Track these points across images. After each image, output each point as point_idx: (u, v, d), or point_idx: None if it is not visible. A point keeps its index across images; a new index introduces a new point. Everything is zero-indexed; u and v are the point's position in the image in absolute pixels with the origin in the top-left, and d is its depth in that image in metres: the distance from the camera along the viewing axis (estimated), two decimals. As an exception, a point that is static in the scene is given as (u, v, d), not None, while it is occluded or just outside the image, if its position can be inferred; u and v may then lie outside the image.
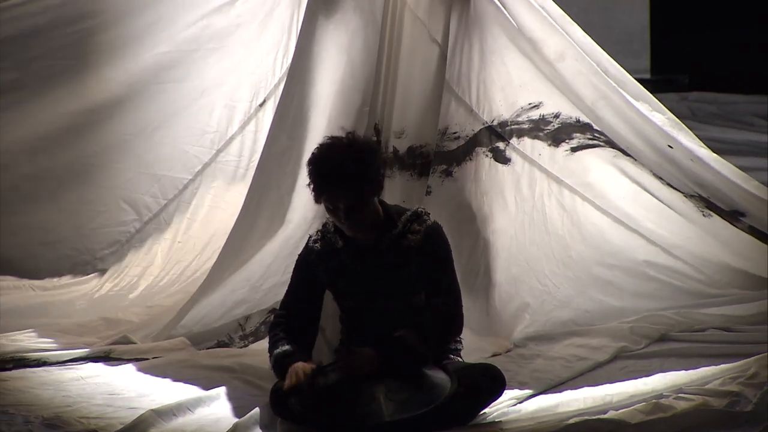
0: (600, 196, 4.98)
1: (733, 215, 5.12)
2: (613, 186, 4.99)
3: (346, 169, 3.92)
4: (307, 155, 4.30)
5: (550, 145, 4.98)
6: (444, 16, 4.90)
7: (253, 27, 5.29)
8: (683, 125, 5.19)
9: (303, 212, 4.69)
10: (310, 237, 4.11)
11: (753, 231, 5.12)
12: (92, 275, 5.47)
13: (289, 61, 4.94)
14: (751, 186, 5.20)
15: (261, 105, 5.39)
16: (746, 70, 7.57)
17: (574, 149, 5.01)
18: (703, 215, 5.10)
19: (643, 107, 5.09)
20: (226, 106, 5.39)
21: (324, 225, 4.11)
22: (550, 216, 4.99)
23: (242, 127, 5.37)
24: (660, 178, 5.06)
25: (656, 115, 5.14)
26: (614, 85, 5.03)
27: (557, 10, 5.09)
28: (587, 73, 5.00)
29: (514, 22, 4.97)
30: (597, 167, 4.99)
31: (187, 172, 5.45)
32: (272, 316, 4.44)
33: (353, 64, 4.71)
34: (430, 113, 4.82)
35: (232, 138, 5.40)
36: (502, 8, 4.95)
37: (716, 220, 5.09)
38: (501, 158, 4.97)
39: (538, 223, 4.97)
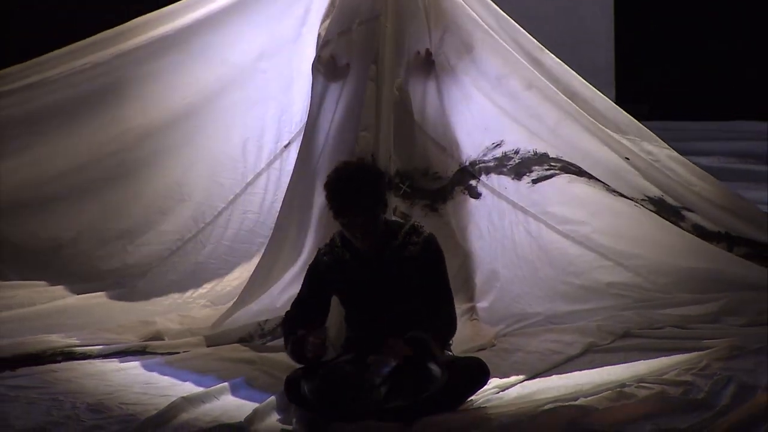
0: (561, 222, 5.07)
1: (678, 213, 5.19)
2: (570, 211, 5.08)
3: (361, 190, 4.01)
4: (318, 195, 4.49)
5: (513, 179, 5.06)
6: (421, 77, 5.00)
7: (279, 81, 5.38)
8: (648, 131, 5.30)
9: (317, 242, 4.76)
10: (320, 250, 4.18)
11: (696, 228, 5.20)
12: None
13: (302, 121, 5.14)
14: (707, 182, 5.32)
15: (286, 146, 5.45)
16: (701, 99, 7.59)
17: (534, 181, 5.07)
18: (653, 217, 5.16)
19: (609, 122, 5.18)
20: (255, 146, 5.47)
21: (332, 239, 4.17)
22: (519, 242, 5.07)
23: (269, 165, 5.44)
24: (613, 191, 5.11)
25: (625, 122, 5.24)
26: (576, 107, 5.10)
27: (530, 41, 5.18)
28: (553, 98, 5.08)
29: (476, 69, 5.03)
30: (555, 196, 5.07)
31: (222, 200, 5.53)
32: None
33: (353, 114, 4.82)
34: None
35: (259, 173, 5.46)
36: (468, 55, 5.02)
37: (664, 223, 5.16)
38: (474, 193, 5.06)
39: (508, 249, 5.05)
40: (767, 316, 4.93)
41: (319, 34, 4.97)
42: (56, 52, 5.50)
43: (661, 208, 5.17)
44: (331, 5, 4.94)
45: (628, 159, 5.12)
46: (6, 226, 5.56)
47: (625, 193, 5.14)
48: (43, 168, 5.55)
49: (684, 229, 5.17)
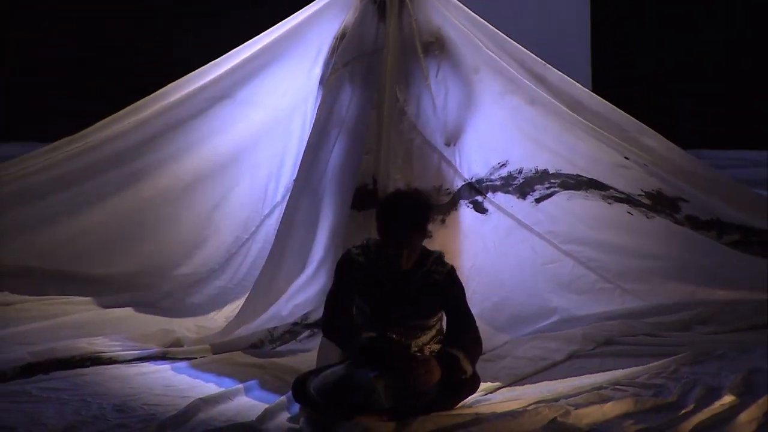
0: (563, 240, 5.11)
1: (674, 204, 5.16)
2: (572, 230, 5.11)
3: (414, 218, 4.10)
4: (323, 215, 4.67)
5: (518, 198, 5.07)
6: (429, 98, 4.94)
7: (289, 124, 5.36)
8: (647, 128, 5.27)
9: (324, 257, 4.80)
10: (351, 250, 4.21)
11: (689, 219, 5.18)
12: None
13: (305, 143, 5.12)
14: (702, 170, 5.31)
15: (295, 180, 5.29)
16: (678, 128, 7.52)
17: (537, 200, 5.08)
18: (647, 217, 5.15)
19: (610, 124, 5.16)
20: (274, 180, 5.43)
21: (366, 244, 4.21)
22: (524, 257, 5.08)
23: (284, 197, 5.33)
24: (608, 198, 5.11)
25: (625, 121, 5.19)
26: (577, 117, 5.08)
27: (532, 58, 5.17)
28: (556, 110, 5.09)
29: (480, 88, 4.99)
30: (557, 215, 5.09)
31: (246, 231, 5.50)
32: (303, 322, 4.78)
33: (357, 138, 4.84)
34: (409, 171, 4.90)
35: (276, 205, 5.42)
36: (474, 76, 4.99)
37: (658, 221, 5.16)
38: (480, 209, 5.04)
39: (512, 263, 5.05)
40: (733, 326, 4.93)
41: (325, 62, 5.06)
42: (104, 120, 5.59)
43: (657, 201, 5.16)
44: (339, 40, 4.99)
45: (627, 158, 5.15)
46: (59, 261, 5.60)
47: (621, 189, 5.13)
48: (96, 213, 5.58)
49: (678, 221, 5.15)
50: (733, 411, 4.06)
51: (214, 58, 5.45)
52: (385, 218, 4.10)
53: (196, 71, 5.46)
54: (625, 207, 5.14)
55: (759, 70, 8.70)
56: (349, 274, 4.16)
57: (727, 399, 4.14)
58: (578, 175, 5.10)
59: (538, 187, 5.07)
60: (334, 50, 5.03)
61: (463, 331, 4.11)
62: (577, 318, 5.00)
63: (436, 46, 4.93)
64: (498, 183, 5.05)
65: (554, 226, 5.08)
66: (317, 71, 5.13)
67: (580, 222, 5.11)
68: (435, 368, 3.97)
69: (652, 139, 5.27)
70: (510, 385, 4.41)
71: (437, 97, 4.92)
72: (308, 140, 4.95)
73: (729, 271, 5.17)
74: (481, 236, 5.01)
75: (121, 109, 5.59)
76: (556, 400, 4.16)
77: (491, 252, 5.01)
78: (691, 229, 5.17)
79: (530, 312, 4.99)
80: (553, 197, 5.08)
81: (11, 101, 8.92)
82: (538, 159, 5.08)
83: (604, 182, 5.12)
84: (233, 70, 5.34)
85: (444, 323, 4.24)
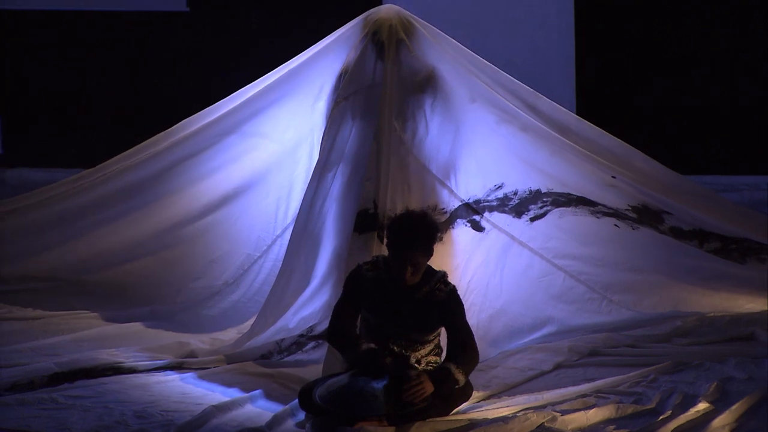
0: (555, 255, 5.17)
1: (658, 216, 5.22)
2: (563, 246, 5.17)
3: (421, 236, 4.15)
4: (326, 237, 4.73)
5: (514, 217, 5.13)
6: (424, 127, 4.99)
7: (295, 154, 5.42)
8: (635, 150, 5.35)
9: (326, 274, 4.85)
10: (362, 266, 4.27)
11: (673, 230, 5.25)
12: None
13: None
14: (685, 185, 5.39)
15: (302, 205, 5.24)
16: (664, 148, 7.50)
17: (531, 219, 5.14)
18: (632, 228, 5.20)
19: (600, 147, 5.22)
20: (284, 203, 5.49)
21: (376, 261, 4.27)
22: (519, 271, 5.13)
23: (294, 220, 5.27)
24: (597, 213, 5.17)
25: (614, 145, 5.27)
26: (567, 141, 5.15)
27: (524, 88, 5.23)
28: (547, 136, 5.15)
29: (476, 118, 5.05)
30: (549, 233, 5.15)
31: (258, 250, 5.56)
32: (309, 334, 4.78)
33: (358, 165, 4.89)
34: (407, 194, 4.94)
35: (287, 227, 5.46)
36: (471, 107, 5.05)
37: (643, 231, 5.21)
38: (478, 227, 5.09)
39: (508, 276, 5.10)
40: (709, 338, 4.95)
41: (329, 97, 5.12)
42: (123, 153, 5.67)
43: (642, 214, 5.21)
44: (341, 77, 5.05)
45: (614, 177, 5.20)
46: (83, 279, 5.65)
47: (609, 204, 5.18)
48: (118, 236, 5.66)
49: (662, 231, 5.21)
50: (707, 417, 4.12)
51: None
52: (394, 236, 4.15)
53: (210, 107, 5.53)
54: (612, 220, 5.19)
55: (732, 102, 8.73)
56: (356, 287, 4.22)
57: (702, 406, 4.20)
58: (568, 194, 5.16)
59: (532, 206, 5.14)
60: (337, 86, 5.09)
61: (462, 347, 4.16)
62: (568, 329, 5.03)
63: (432, 80, 4.99)
64: (495, 203, 5.11)
65: (547, 243, 5.16)
66: (321, 105, 5.20)
67: (570, 238, 5.17)
68: (427, 383, 4.01)
69: (636, 157, 5.34)
70: (501, 393, 4.46)
71: (431, 125, 4.98)
72: (314, 169, 5.01)
73: (710, 277, 5.22)
74: (480, 252, 5.07)
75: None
76: (544, 406, 4.22)
77: (489, 267, 5.07)
78: (674, 238, 5.23)
79: (525, 322, 5.05)
80: (546, 216, 5.15)
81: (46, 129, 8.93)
82: (531, 180, 5.16)
83: (592, 199, 5.18)
84: (243, 105, 5.41)
85: (441, 338, 4.29)
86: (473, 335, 4.22)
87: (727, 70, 8.64)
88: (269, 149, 5.46)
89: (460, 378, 4.09)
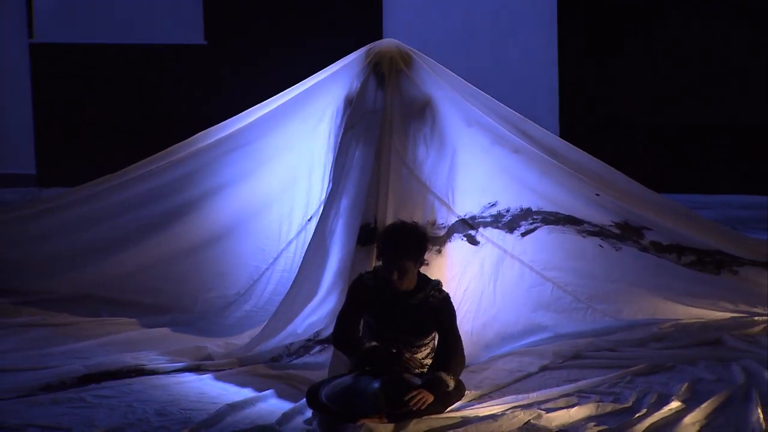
0: (544, 268, 5.26)
1: (639, 232, 5.27)
2: (551, 259, 5.24)
3: (413, 243, 4.24)
4: (333, 251, 4.81)
5: (506, 232, 5.21)
6: (424, 149, 5.07)
7: (306, 166, 5.46)
8: (618, 172, 5.43)
9: (331, 285, 4.92)
10: (363, 275, 4.38)
11: (653, 244, 5.30)
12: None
13: (325, 194, 5.23)
14: (663, 203, 5.45)
15: (309, 220, 5.45)
16: (643, 170, 7.55)
17: (522, 234, 5.22)
18: (615, 249, 5.26)
19: (584, 168, 5.30)
20: (287, 220, 5.53)
21: (376, 271, 4.37)
22: (511, 282, 5.21)
23: (297, 234, 5.49)
24: (582, 232, 5.23)
25: (598, 168, 5.35)
26: (555, 162, 5.23)
27: (514, 114, 5.34)
28: (536, 158, 5.24)
29: (470, 141, 5.11)
30: (539, 247, 5.23)
31: (264, 262, 5.61)
32: (315, 338, 4.80)
33: (361, 185, 4.94)
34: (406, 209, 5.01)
35: (291, 241, 5.52)
36: (467, 131, 5.12)
37: (625, 250, 5.27)
38: (473, 241, 5.16)
39: (500, 287, 5.17)
40: (682, 342, 4.98)
41: (336, 123, 5.23)
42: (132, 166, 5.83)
43: (624, 230, 5.30)
44: (347, 104, 5.15)
45: (598, 195, 5.28)
46: (109, 288, 5.75)
47: (594, 221, 5.25)
48: (138, 247, 5.72)
49: (643, 247, 5.28)
50: (679, 415, 4.19)
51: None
52: (381, 243, 4.28)
53: (218, 125, 5.63)
54: (597, 240, 5.27)
55: (707, 119, 8.81)
56: (358, 294, 4.34)
57: (675, 404, 4.27)
58: (556, 213, 5.25)
59: (523, 223, 5.24)
60: (340, 112, 5.18)
61: (451, 351, 4.27)
62: (555, 336, 5.10)
63: (430, 107, 5.09)
64: (489, 219, 5.21)
65: (537, 256, 5.26)
66: (323, 126, 5.31)
67: (558, 252, 5.27)
68: (426, 393, 4.10)
69: (618, 177, 5.45)
70: (491, 392, 4.51)
71: (431, 149, 5.07)
72: (328, 193, 5.09)
73: (687, 288, 5.30)
74: (474, 264, 5.15)
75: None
76: (530, 405, 4.30)
77: (483, 277, 5.16)
78: (654, 252, 5.30)
79: (516, 329, 5.12)
80: (536, 232, 5.25)
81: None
82: (522, 199, 5.26)
83: (578, 217, 5.27)
84: (251, 126, 5.50)
85: (437, 342, 4.40)
86: (461, 340, 4.33)
87: (697, 95, 8.76)
88: (273, 168, 5.54)
89: (451, 383, 4.21)
